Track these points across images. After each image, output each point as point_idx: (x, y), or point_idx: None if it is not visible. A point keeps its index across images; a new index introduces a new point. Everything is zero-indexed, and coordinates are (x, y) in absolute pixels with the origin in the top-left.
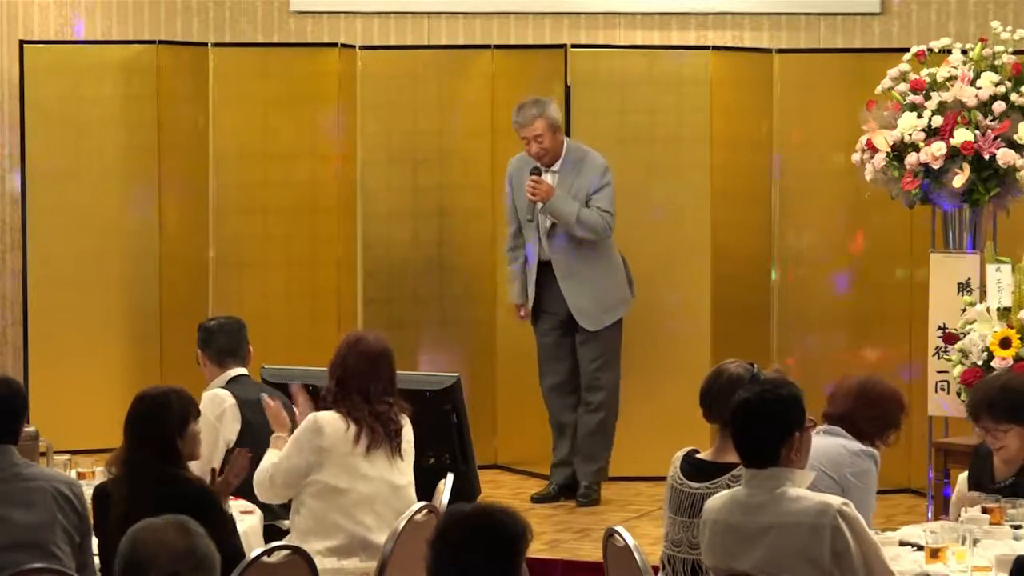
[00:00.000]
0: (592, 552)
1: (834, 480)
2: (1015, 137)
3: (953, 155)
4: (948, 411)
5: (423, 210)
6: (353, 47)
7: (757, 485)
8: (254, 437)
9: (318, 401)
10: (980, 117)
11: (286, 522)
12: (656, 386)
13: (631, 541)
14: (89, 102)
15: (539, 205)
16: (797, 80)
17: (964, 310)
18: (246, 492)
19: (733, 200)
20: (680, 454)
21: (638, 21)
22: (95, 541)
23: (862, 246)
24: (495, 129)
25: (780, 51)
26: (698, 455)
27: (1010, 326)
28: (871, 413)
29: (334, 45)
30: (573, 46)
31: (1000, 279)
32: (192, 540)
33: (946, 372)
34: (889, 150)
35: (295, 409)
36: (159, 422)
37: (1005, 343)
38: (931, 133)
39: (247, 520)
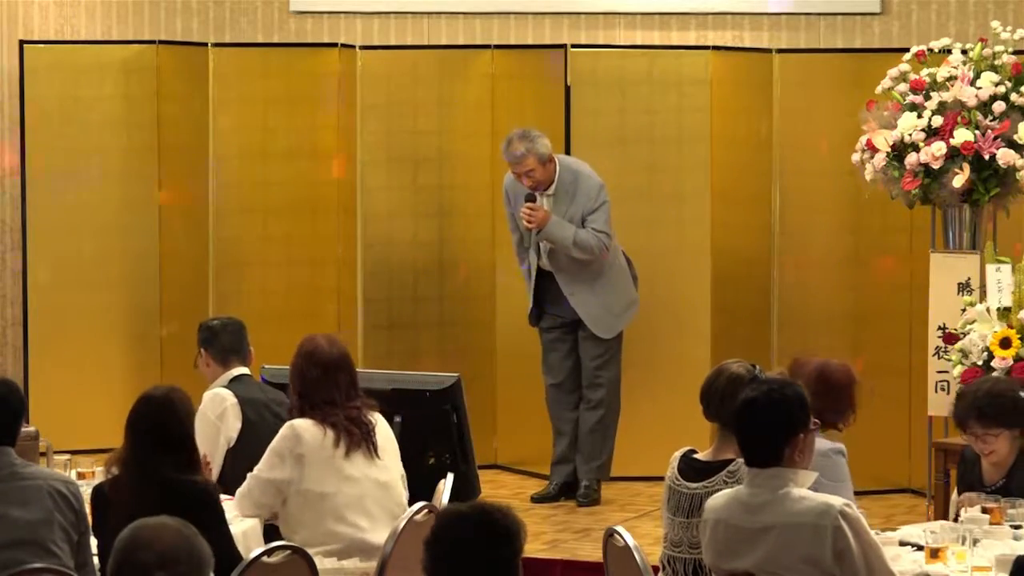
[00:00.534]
0: (592, 552)
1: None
2: (1015, 137)
3: (953, 155)
4: (948, 411)
5: (423, 210)
6: (353, 47)
7: (760, 484)
8: (255, 436)
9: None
10: (980, 117)
11: None
12: (656, 386)
13: (631, 541)
14: (89, 102)
15: (535, 232)
16: (797, 80)
17: (964, 310)
18: None
19: (733, 200)
20: (677, 454)
21: (638, 21)
22: (93, 541)
23: (862, 246)
24: (495, 129)
25: (780, 51)
26: (695, 455)
27: (1010, 326)
28: (832, 402)
29: (334, 45)
30: (573, 46)
31: (1000, 279)
32: (185, 539)
33: (946, 372)
34: (889, 150)
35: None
36: (171, 421)
37: (1005, 343)
38: (931, 133)
39: (247, 520)
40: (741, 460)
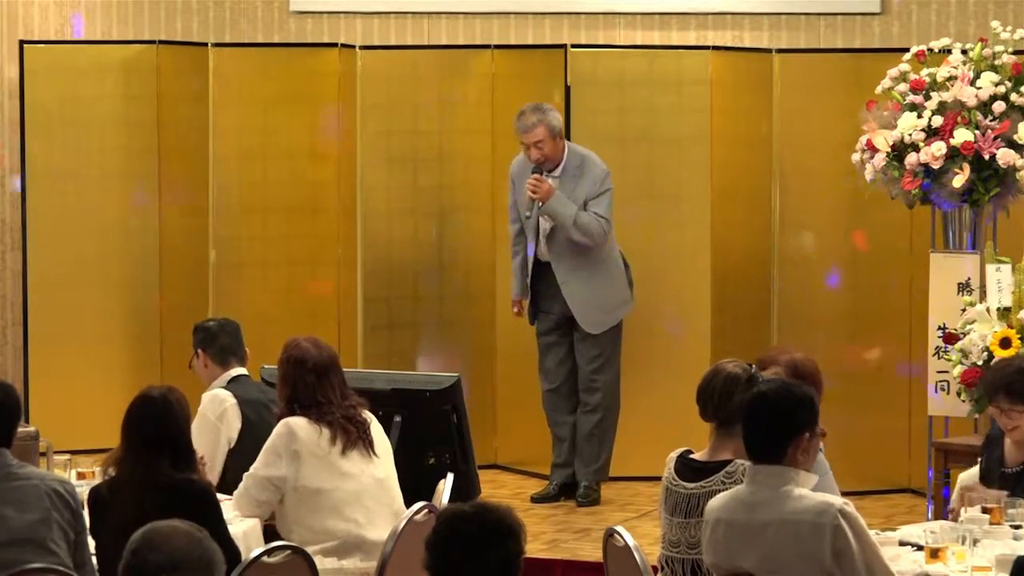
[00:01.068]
0: (592, 552)
1: None
2: (1015, 137)
3: (953, 155)
4: (948, 411)
5: (423, 210)
6: (353, 47)
7: (760, 483)
8: (254, 437)
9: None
10: (980, 117)
11: None
12: (656, 385)
13: (631, 541)
14: (89, 102)
15: (538, 205)
16: (797, 80)
17: (964, 310)
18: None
19: (733, 200)
20: (674, 455)
21: (638, 21)
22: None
23: (862, 246)
24: (495, 129)
25: (780, 51)
26: (692, 455)
27: (1010, 326)
28: None
29: (334, 45)
30: (573, 46)
31: (1000, 279)
32: (197, 542)
33: (946, 372)
34: (889, 150)
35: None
36: (169, 421)
37: (1005, 343)
38: (931, 133)
39: (247, 520)
40: (739, 461)
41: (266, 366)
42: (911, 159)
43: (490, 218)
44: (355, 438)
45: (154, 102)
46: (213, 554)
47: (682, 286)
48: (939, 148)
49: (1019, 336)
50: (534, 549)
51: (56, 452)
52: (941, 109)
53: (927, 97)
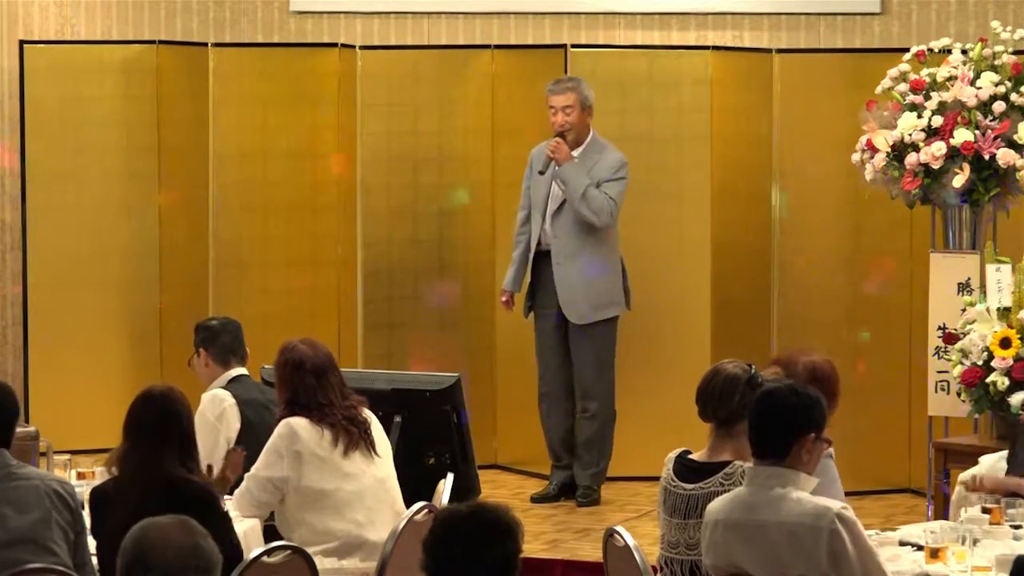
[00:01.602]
0: (592, 552)
1: None
2: (1015, 137)
3: (953, 155)
4: (948, 411)
5: (423, 210)
6: (353, 47)
7: (759, 484)
8: (254, 437)
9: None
10: (980, 117)
11: None
12: (656, 385)
13: (631, 541)
14: (89, 102)
15: (554, 166)
16: (797, 80)
17: (964, 310)
18: None
19: (733, 200)
20: (672, 456)
21: (638, 21)
22: (92, 542)
23: (862, 246)
24: (495, 129)
25: (780, 51)
26: (690, 456)
27: (1010, 326)
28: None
29: (334, 45)
30: (573, 46)
31: (1000, 279)
32: (196, 539)
33: (946, 372)
34: (889, 150)
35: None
36: (174, 419)
37: (1005, 343)
38: (931, 133)
39: (247, 520)
40: (738, 463)
41: (266, 366)
42: (911, 159)
43: (490, 218)
44: (357, 438)
45: (154, 102)
46: (210, 551)
47: (682, 285)
48: (939, 148)
49: (1019, 336)
50: (534, 549)
51: (56, 452)
52: (941, 109)
53: (927, 97)
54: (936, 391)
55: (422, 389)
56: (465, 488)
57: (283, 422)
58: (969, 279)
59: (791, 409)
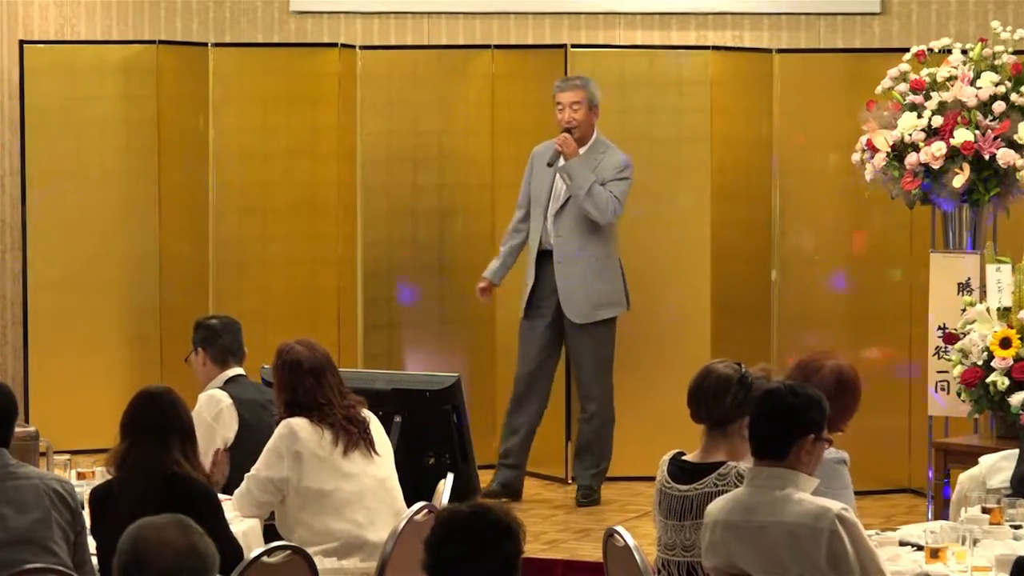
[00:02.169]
0: (592, 552)
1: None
2: (1015, 137)
3: (953, 155)
4: (948, 411)
5: (423, 210)
6: (353, 47)
7: (759, 484)
8: (252, 437)
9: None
10: (980, 117)
11: None
12: (656, 386)
13: (631, 541)
14: (89, 102)
15: (561, 161)
16: (797, 80)
17: (964, 310)
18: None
19: (733, 200)
20: (666, 458)
21: (638, 21)
22: (92, 542)
23: (862, 246)
24: (495, 129)
25: (780, 51)
26: (684, 457)
27: (1010, 326)
28: (848, 405)
29: (334, 45)
30: (573, 46)
31: (1000, 279)
32: (192, 539)
33: (946, 372)
34: (889, 150)
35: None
36: (172, 418)
37: (1005, 343)
38: (931, 133)
39: (247, 520)
40: (732, 463)
41: (265, 366)
42: (911, 159)
43: (490, 218)
44: (356, 438)
45: (154, 102)
46: (207, 550)
47: (682, 286)
48: (939, 148)
49: (1019, 336)
50: (534, 549)
51: (56, 452)
52: (941, 109)
53: (927, 97)
54: (936, 391)
55: (422, 389)
56: (465, 488)
57: (283, 423)
58: (969, 279)
59: (791, 410)
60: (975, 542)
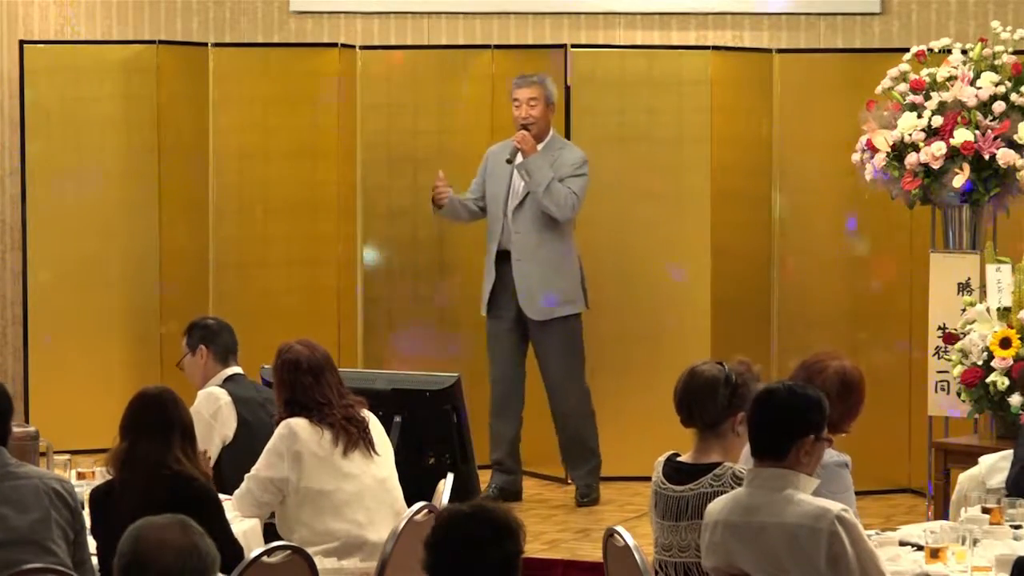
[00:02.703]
0: (592, 552)
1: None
2: (1015, 137)
3: (953, 155)
4: (948, 411)
5: (423, 210)
6: (353, 47)
7: (759, 485)
8: (250, 436)
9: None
10: (980, 117)
11: None
12: (656, 385)
13: (631, 541)
14: (89, 102)
15: (519, 158)
16: (797, 80)
17: (964, 310)
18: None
19: (733, 200)
20: (661, 459)
21: (638, 21)
22: (92, 542)
23: (862, 246)
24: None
25: (780, 51)
26: (679, 458)
27: (1010, 326)
28: (853, 406)
29: (334, 45)
30: (573, 46)
31: (1000, 279)
32: (193, 539)
33: (946, 372)
34: (889, 150)
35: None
36: (172, 417)
37: (1005, 343)
38: (931, 133)
39: (247, 520)
40: (728, 464)
41: (265, 366)
42: (911, 159)
43: None
44: (356, 438)
45: (154, 102)
46: (207, 551)
47: (682, 285)
48: (939, 148)
49: (1019, 336)
50: (534, 549)
51: (56, 452)
52: (941, 109)
53: (927, 97)
54: (936, 391)
55: (422, 389)
56: (465, 488)
57: (283, 423)
58: (969, 279)
59: (790, 410)
60: (975, 542)
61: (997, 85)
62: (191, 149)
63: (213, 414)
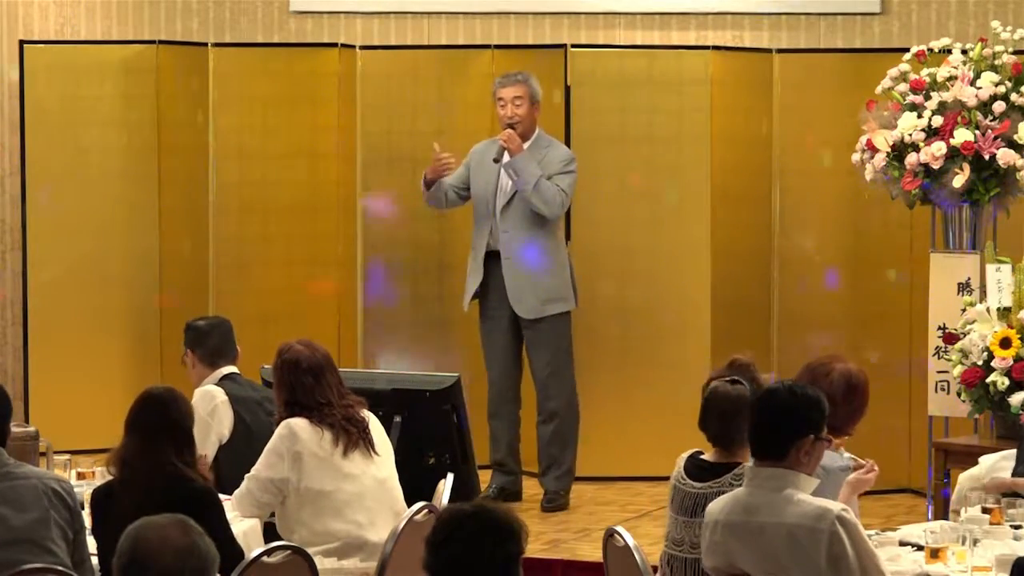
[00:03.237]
0: (592, 552)
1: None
2: (1015, 137)
3: (953, 155)
4: (948, 411)
5: (423, 210)
6: (353, 47)
7: (759, 485)
8: (246, 434)
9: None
10: (980, 117)
11: None
12: (656, 385)
13: (631, 541)
14: (89, 102)
15: (506, 157)
16: (797, 80)
17: (964, 310)
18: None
19: (733, 200)
20: (684, 455)
21: (638, 21)
22: (92, 543)
23: (862, 246)
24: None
25: (780, 51)
26: (702, 456)
27: (1010, 326)
28: (856, 409)
29: (334, 45)
30: (573, 46)
31: (1000, 279)
32: (192, 538)
33: (946, 372)
34: (889, 150)
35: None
36: (177, 420)
37: (1005, 343)
38: (931, 133)
39: (247, 520)
40: (748, 464)
41: (265, 366)
42: (911, 159)
43: None
44: (356, 438)
45: (154, 102)
46: (207, 551)
47: (682, 285)
48: (939, 148)
49: (1019, 336)
50: (534, 549)
51: (56, 452)
52: (941, 109)
53: (927, 97)
54: (936, 391)
55: (422, 389)
56: (465, 488)
57: (283, 423)
58: (969, 279)
59: (790, 410)
60: (975, 542)
61: (997, 85)
62: (191, 149)
63: (210, 412)
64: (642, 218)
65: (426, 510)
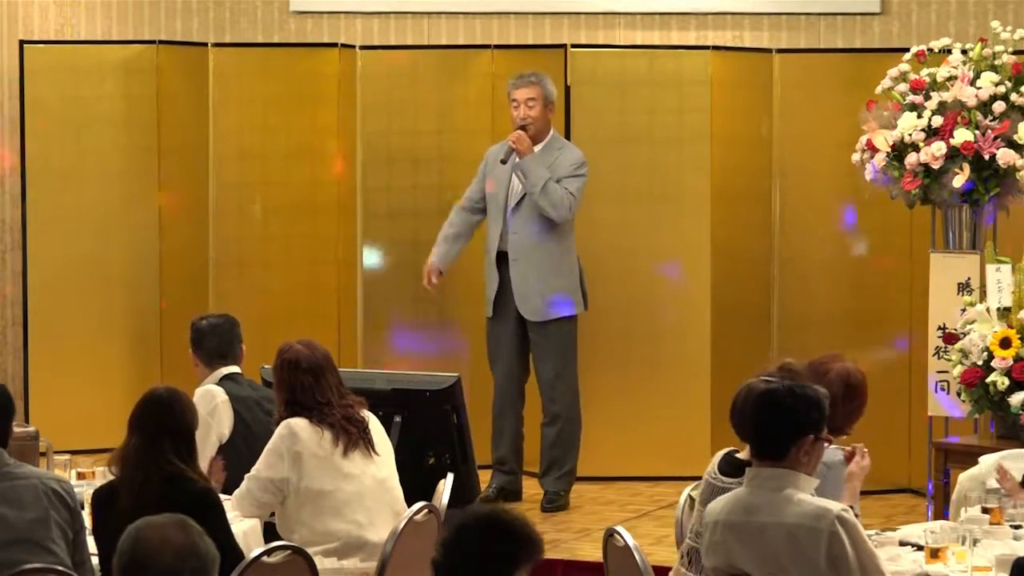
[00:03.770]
0: (592, 552)
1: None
2: (1015, 137)
3: (953, 155)
4: (948, 411)
5: (423, 210)
6: (353, 47)
7: (759, 485)
8: (247, 434)
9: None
10: (980, 117)
11: None
12: (656, 386)
13: (631, 541)
14: (89, 102)
15: (515, 158)
16: (797, 80)
17: (964, 310)
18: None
19: (733, 200)
20: (720, 453)
21: (638, 21)
22: (92, 543)
23: (862, 246)
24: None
25: (780, 51)
26: (737, 454)
27: (1010, 326)
28: (856, 408)
29: (334, 45)
30: (573, 46)
31: (1000, 279)
32: (192, 538)
33: (946, 372)
34: (889, 150)
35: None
36: (180, 421)
37: (1005, 343)
38: (931, 133)
39: (247, 520)
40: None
41: (266, 366)
42: (911, 159)
43: None
44: (356, 438)
45: (154, 102)
46: (207, 551)
47: (682, 286)
48: (939, 148)
49: (1019, 336)
50: None
51: (56, 452)
52: (941, 109)
53: (927, 97)
54: (936, 391)
55: (422, 389)
56: (465, 488)
57: (283, 423)
58: (969, 279)
59: (790, 410)
60: (975, 542)
61: (997, 85)
62: (191, 149)
63: (210, 412)
64: (642, 218)
65: (426, 510)
